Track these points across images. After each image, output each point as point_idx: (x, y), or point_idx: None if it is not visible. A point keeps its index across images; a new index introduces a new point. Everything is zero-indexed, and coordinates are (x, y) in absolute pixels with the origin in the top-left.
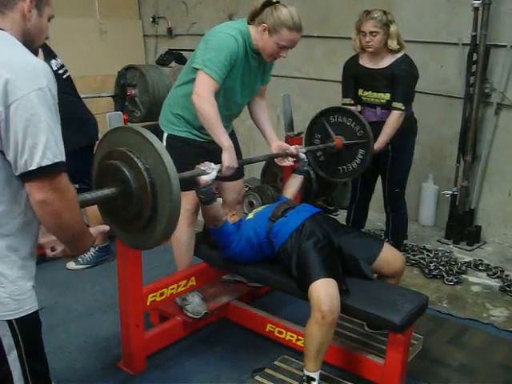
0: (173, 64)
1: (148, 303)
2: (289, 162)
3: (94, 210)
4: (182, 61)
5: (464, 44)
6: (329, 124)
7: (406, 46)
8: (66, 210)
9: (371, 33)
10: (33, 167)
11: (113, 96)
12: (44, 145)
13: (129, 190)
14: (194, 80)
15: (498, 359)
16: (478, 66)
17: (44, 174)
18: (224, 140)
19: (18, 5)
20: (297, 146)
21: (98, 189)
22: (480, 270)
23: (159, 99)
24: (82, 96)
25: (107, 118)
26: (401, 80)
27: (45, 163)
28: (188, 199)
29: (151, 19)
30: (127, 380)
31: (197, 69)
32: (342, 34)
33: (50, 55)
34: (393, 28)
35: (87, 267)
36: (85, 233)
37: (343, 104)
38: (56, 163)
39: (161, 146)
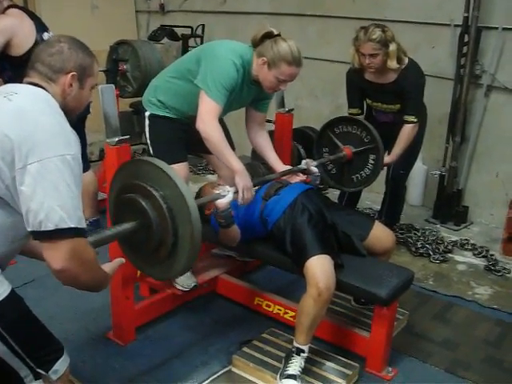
0: (165, 40)
1: (138, 275)
2: (299, 177)
3: (86, 186)
4: (173, 37)
5: (456, 25)
6: (334, 135)
7: (399, 27)
8: (85, 273)
9: (371, 55)
10: (48, 228)
11: (104, 71)
12: (63, 208)
13: (148, 220)
14: (190, 81)
15: (480, 335)
16: (469, 47)
17: (60, 236)
18: (234, 164)
19: (61, 79)
20: (307, 160)
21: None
22: (466, 250)
23: (151, 75)
24: None
25: (99, 90)
26: (410, 94)
27: (62, 226)
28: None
29: None
30: (117, 351)
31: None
32: (336, 13)
33: (42, 28)
34: (392, 47)
35: None
36: (102, 280)
37: (350, 114)
38: (72, 228)
39: (171, 171)
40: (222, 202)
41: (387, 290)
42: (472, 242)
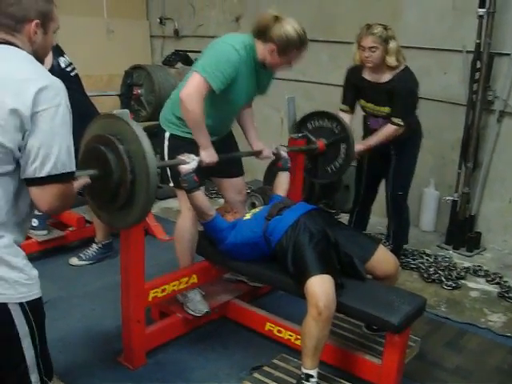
0: (179, 65)
1: (150, 299)
2: (269, 155)
3: None
4: (188, 62)
5: (468, 51)
6: (308, 131)
7: (411, 53)
8: (65, 208)
9: (370, 48)
10: (42, 175)
11: (119, 95)
12: (56, 156)
13: (109, 168)
14: None
15: (493, 363)
16: (481, 73)
17: (52, 181)
18: (203, 141)
19: (25, 28)
20: (279, 146)
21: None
22: (479, 276)
23: (165, 99)
24: (88, 94)
25: None
26: (399, 96)
27: (54, 172)
28: None
29: (158, 20)
30: (127, 375)
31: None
32: (347, 39)
33: (58, 52)
34: (392, 44)
35: (89, 263)
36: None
37: (340, 109)
38: (63, 174)
39: (135, 125)
40: (185, 167)
41: (399, 317)
42: (485, 268)
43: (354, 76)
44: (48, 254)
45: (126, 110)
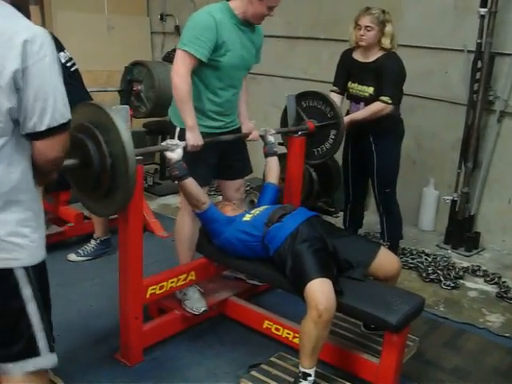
0: None
1: (147, 296)
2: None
3: None
4: None
5: (469, 51)
6: (301, 109)
7: (412, 52)
8: (64, 159)
9: (366, 27)
10: (42, 129)
11: (119, 91)
12: (53, 108)
13: (88, 155)
14: (195, 71)
15: (492, 363)
16: (482, 73)
17: (53, 133)
18: (189, 120)
19: None
20: (266, 128)
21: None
22: (477, 276)
23: (165, 95)
24: (88, 90)
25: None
26: (386, 73)
27: (53, 124)
28: None
29: (159, 16)
30: (124, 371)
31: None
32: (348, 37)
33: (58, 47)
34: (388, 28)
35: (88, 259)
36: None
37: (331, 91)
38: (63, 124)
39: (118, 119)
40: (173, 157)
41: (398, 317)
42: (484, 268)
43: (345, 57)
44: (46, 250)
45: (126, 106)
